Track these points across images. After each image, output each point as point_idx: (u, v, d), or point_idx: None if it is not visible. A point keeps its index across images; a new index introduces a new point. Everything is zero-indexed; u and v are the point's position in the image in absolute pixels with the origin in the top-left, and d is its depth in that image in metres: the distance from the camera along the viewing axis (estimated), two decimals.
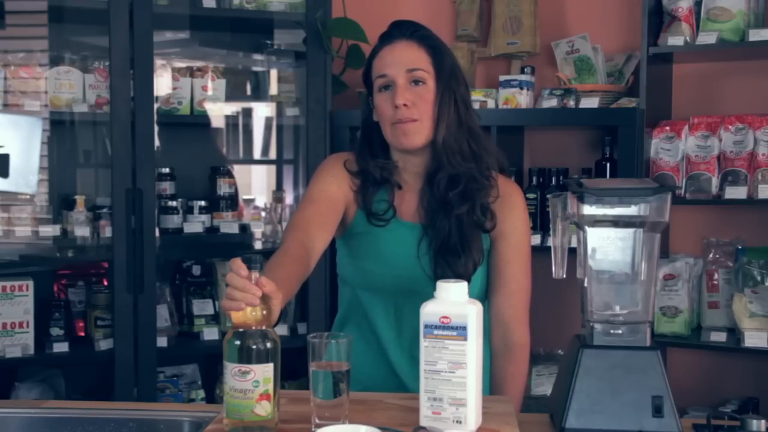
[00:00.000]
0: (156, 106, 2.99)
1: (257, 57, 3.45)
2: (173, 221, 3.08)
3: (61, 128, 3.10)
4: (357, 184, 1.88)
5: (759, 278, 2.85)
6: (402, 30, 1.84)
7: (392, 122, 1.81)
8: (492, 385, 1.87)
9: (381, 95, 1.83)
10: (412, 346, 1.82)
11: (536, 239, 2.97)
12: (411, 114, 1.79)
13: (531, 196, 3.04)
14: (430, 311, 1.39)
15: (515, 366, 1.87)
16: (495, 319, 1.88)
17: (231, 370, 1.36)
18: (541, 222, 3.03)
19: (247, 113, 3.42)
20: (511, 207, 1.88)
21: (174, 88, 3.11)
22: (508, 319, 1.88)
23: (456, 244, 1.80)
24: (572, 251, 1.58)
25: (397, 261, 1.84)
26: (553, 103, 3.02)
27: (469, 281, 1.72)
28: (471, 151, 1.83)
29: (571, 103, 3.00)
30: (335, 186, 1.86)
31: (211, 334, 3.11)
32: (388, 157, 1.88)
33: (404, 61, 1.81)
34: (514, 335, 1.87)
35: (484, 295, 1.89)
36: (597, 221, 1.52)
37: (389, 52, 1.83)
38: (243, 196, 3.31)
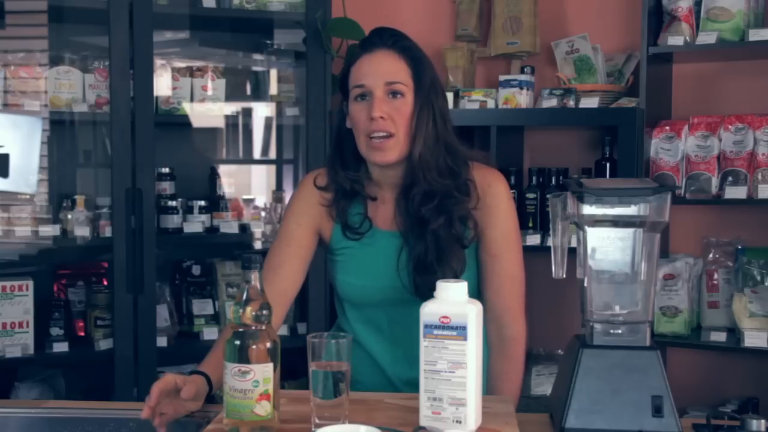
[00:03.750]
0: (156, 106, 2.99)
1: (257, 57, 3.45)
2: (173, 221, 3.07)
3: (61, 128, 3.10)
4: (329, 198, 1.85)
5: (759, 278, 2.85)
6: (383, 38, 1.79)
7: (367, 134, 1.76)
8: (487, 381, 1.83)
9: (357, 105, 1.78)
10: (408, 356, 1.78)
11: (536, 239, 2.97)
12: (387, 127, 1.74)
13: (531, 195, 3.05)
14: (430, 311, 1.39)
15: (508, 362, 1.84)
16: (488, 314, 1.82)
17: (231, 370, 1.37)
18: (541, 222, 3.03)
19: (247, 113, 3.41)
20: (492, 198, 1.82)
21: (174, 88, 3.11)
22: (500, 313, 1.82)
23: (433, 261, 1.75)
24: (572, 251, 1.58)
25: (378, 274, 1.81)
26: (552, 103, 3.02)
27: None
28: (447, 167, 1.78)
29: (571, 103, 2.99)
30: (304, 222, 1.85)
31: (211, 333, 3.10)
32: (360, 167, 1.83)
33: (383, 72, 1.76)
34: (507, 329, 1.83)
35: (477, 292, 1.84)
36: (597, 221, 1.52)
37: (368, 61, 1.78)
38: (243, 195, 3.31)
